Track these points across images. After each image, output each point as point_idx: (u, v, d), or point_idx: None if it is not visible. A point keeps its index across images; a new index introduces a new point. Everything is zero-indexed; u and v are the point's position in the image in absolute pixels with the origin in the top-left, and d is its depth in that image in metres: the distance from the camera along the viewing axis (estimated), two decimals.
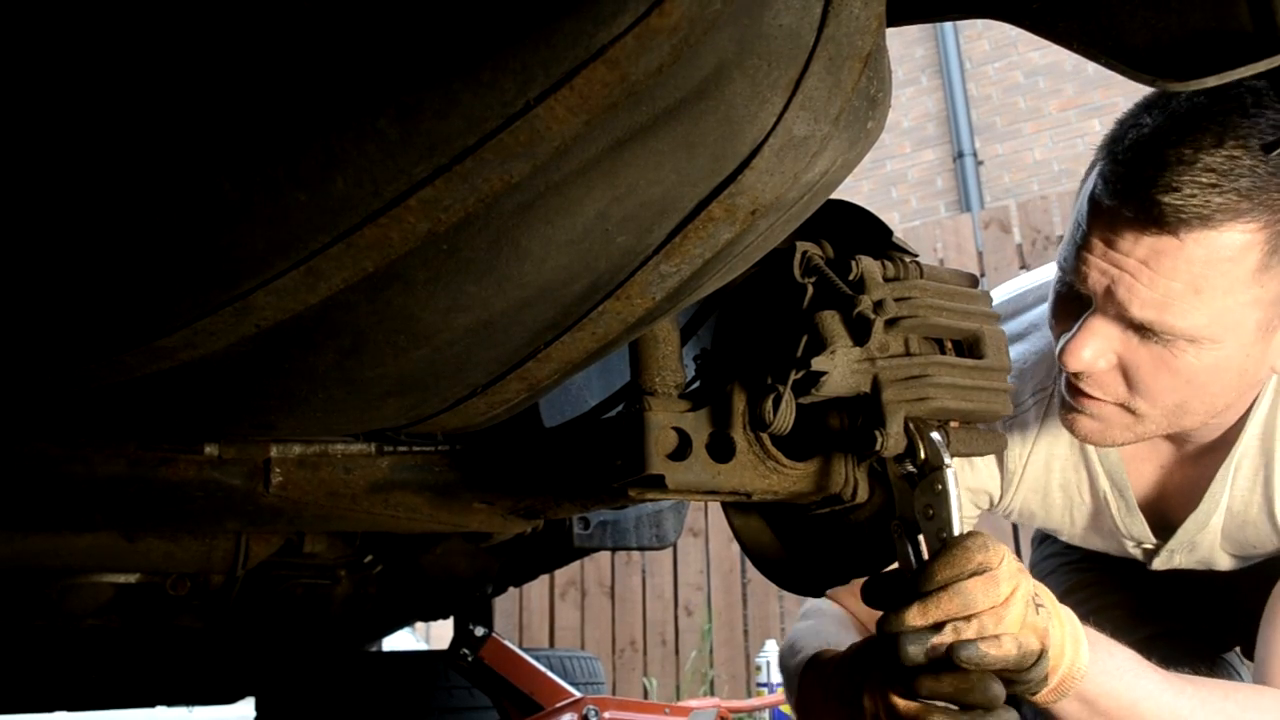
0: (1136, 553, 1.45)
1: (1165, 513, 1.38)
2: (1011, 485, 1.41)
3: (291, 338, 0.72)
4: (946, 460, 0.92)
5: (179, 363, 0.74)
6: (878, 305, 0.91)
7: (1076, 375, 1.13)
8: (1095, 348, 1.08)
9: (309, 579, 1.73)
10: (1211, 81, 0.84)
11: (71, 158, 0.59)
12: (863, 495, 1.02)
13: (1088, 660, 0.99)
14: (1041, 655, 0.94)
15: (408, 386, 0.85)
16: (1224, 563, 1.43)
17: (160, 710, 2.76)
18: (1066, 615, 1.00)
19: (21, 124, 0.56)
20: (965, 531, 0.93)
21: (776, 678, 3.78)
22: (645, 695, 5.11)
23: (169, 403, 0.87)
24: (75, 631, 1.86)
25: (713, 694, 4.91)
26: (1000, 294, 1.49)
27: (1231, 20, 0.80)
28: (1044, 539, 1.89)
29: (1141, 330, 1.06)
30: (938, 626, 0.92)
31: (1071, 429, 1.20)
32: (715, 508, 4.95)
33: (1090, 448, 1.37)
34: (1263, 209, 0.99)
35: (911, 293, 0.95)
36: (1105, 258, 1.05)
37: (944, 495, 0.92)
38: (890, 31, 0.75)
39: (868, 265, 0.94)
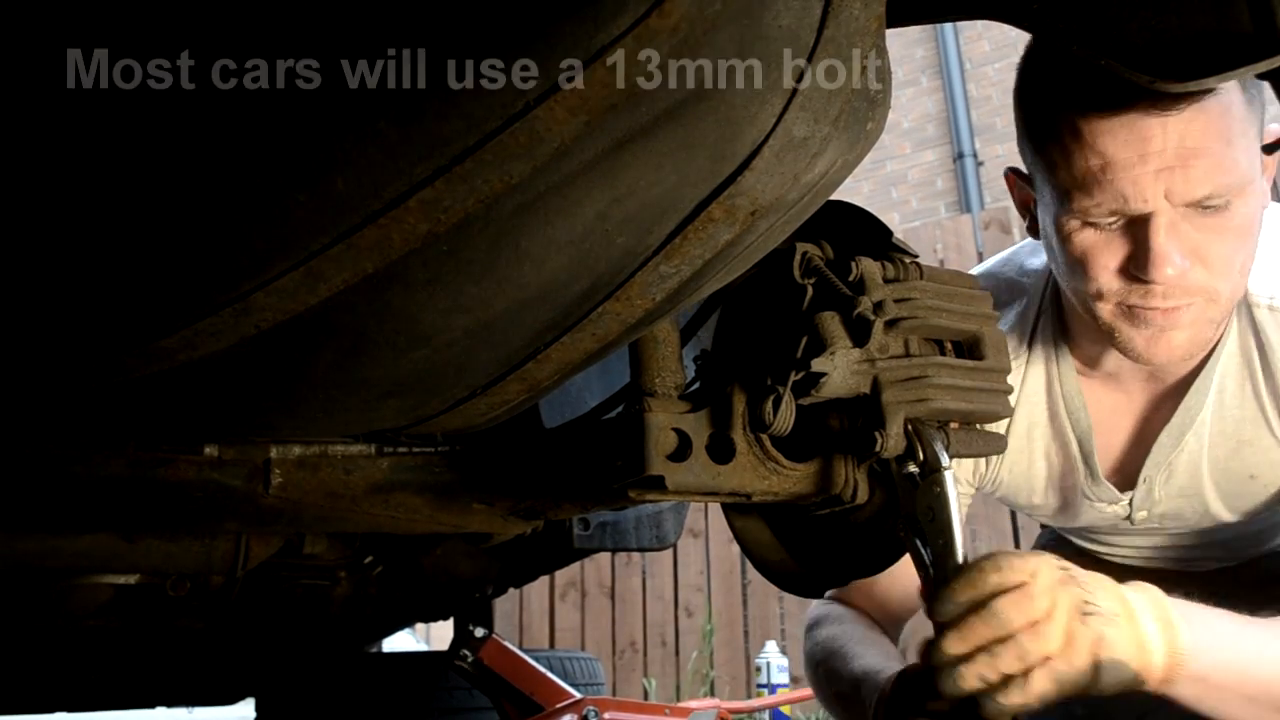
0: (1119, 510, 1.41)
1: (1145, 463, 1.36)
2: (993, 458, 1.41)
3: (291, 338, 0.72)
4: (945, 462, 0.92)
5: (179, 363, 0.74)
6: (878, 306, 0.91)
7: (1164, 295, 1.11)
8: (1179, 249, 1.08)
9: (309, 580, 1.73)
10: (1211, 82, 0.84)
11: (71, 158, 0.59)
12: (863, 496, 1.02)
13: (1188, 639, 0.95)
14: (1102, 666, 0.90)
15: (407, 387, 0.85)
16: (1219, 507, 1.37)
17: (160, 711, 2.75)
18: (1146, 603, 0.96)
19: (21, 124, 0.56)
20: (991, 551, 0.93)
21: (776, 678, 3.78)
22: (645, 696, 5.10)
23: (169, 404, 0.87)
24: (75, 632, 1.86)
25: (713, 695, 4.91)
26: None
27: (1231, 21, 0.80)
28: (1044, 547, 1.89)
29: (1203, 206, 1.07)
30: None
31: (1167, 355, 1.16)
32: (715, 509, 4.95)
33: (1063, 414, 1.36)
34: None
35: (911, 294, 0.95)
36: (1147, 163, 1.04)
37: (943, 497, 0.92)
38: (890, 32, 0.75)
39: (868, 266, 0.94)
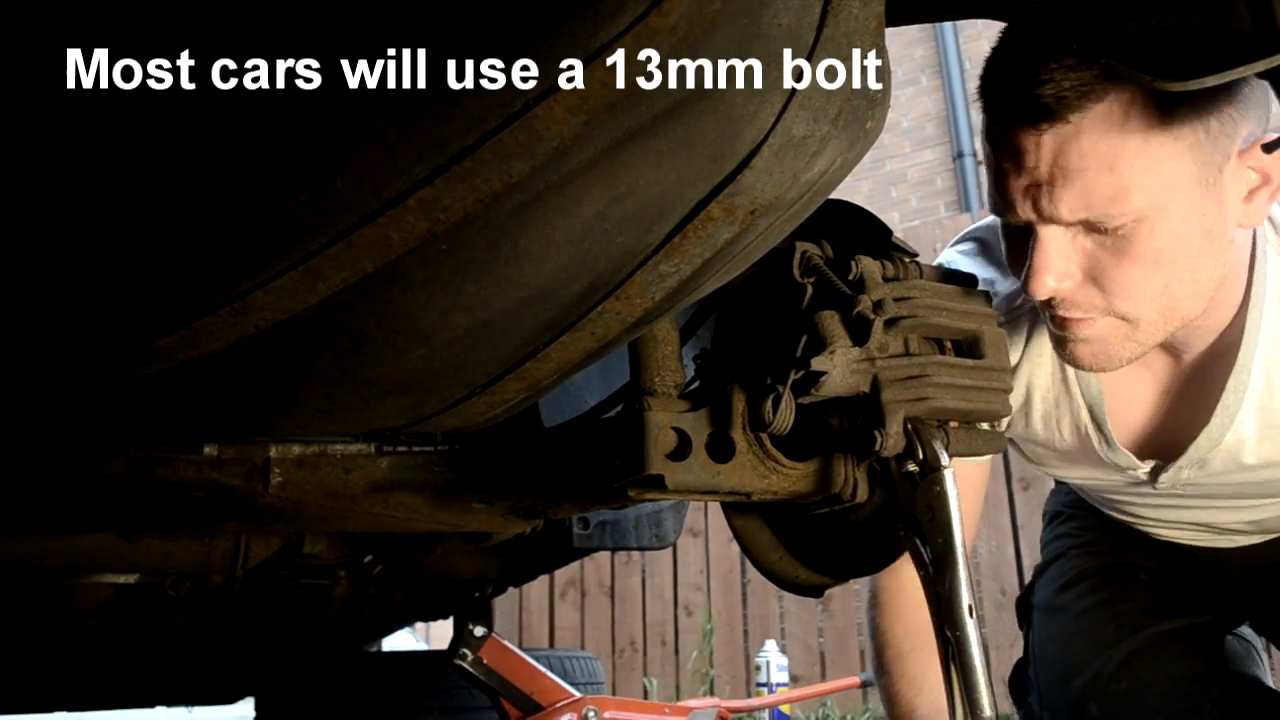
0: (1140, 474, 1.38)
1: (1175, 433, 1.31)
2: (1029, 407, 1.38)
3: (291, 338, 0.72)
4: (945, 461, 0.92)
5: (178, 363, 0.74)
6: (877, 305, 0.91)
7: (1052, 305, 1.10)
8: (1054, 268, 1.06)
9: (308, 579, 1.73)
10: (1211, 81, 0.84)
11: (70, 157, 0.59)
12: (862, 495, 1.02)
13: None
14: None
15: (407, 386, 0.85)
16: (1257, 485, 1.33)
17: (160, 710, 2.76)
18: None
19: (22, 123, 0.56)
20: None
21: (776, 677, 3.79)
22: (645, 695, 5.11)
23: (168, 403, 0.87)
24: (75, 632, 1.86)
25: (712, 694, 4.91)
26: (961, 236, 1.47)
27: (1231, 20, 0.80)
28: (1055, 515, 1.85)
29: (1088, 229, 1.05)
30: None
31: (1074, 363, 1.15)
32: (715, 508, 4.95)
33: (1072, 378, 1.33)
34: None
35: (911, 293, 0.95)
36: (1020, 178, 1.04)
37: (943, 496, 0.92)
38: (890, 31, 0.75)
39: (867, 265, 0.94)
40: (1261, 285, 1.18)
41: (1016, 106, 1.02)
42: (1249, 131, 1.05)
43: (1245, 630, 1.69)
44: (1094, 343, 1.12)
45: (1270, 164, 1.07)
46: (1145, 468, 1.36)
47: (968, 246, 1.42)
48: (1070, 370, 1.34)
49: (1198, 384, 1.28)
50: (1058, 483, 1.89)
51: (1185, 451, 1.31)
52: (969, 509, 1.53)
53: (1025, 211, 1.06)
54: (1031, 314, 1.34)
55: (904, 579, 1.49)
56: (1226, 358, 1.23)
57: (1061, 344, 1.16)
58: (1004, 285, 1.35)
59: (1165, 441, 1.34)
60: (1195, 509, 1.49)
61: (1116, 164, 1.00)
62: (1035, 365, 1.35)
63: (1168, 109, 1.00)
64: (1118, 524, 1.68)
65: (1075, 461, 1.44)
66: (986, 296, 1.02)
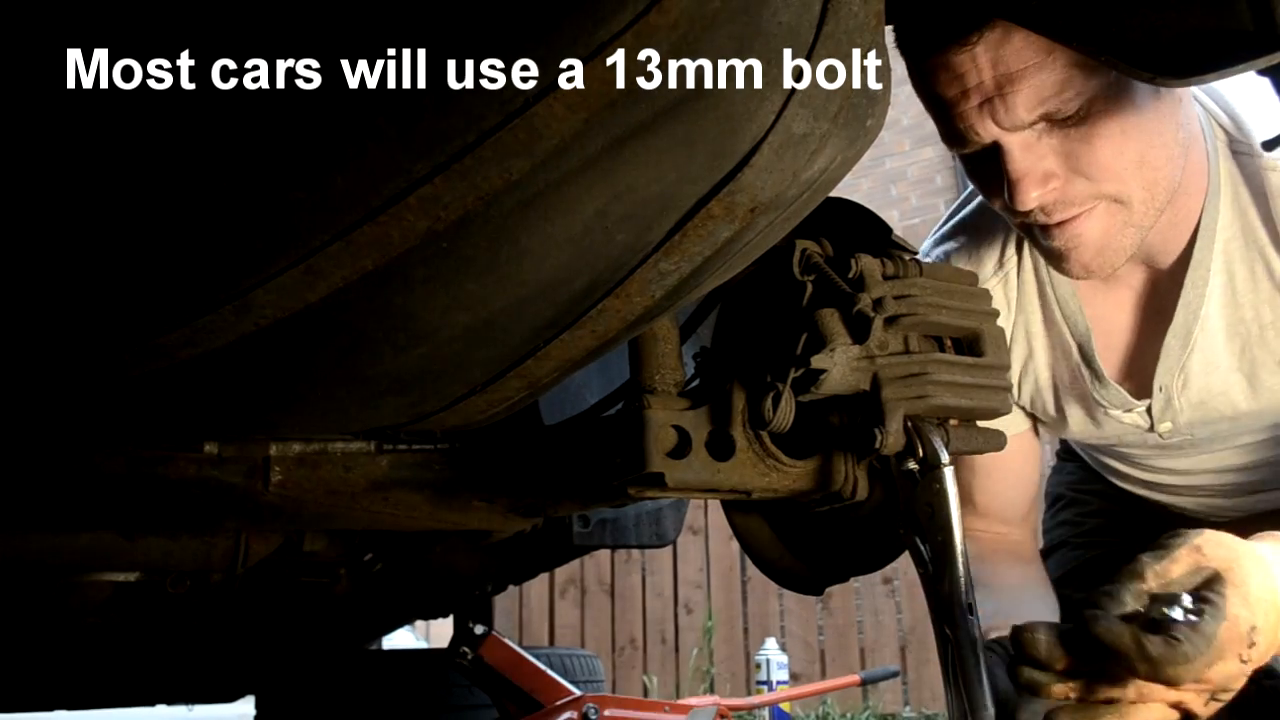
0: (1139, 419, 1.35)
1: (1157, 357, 1.29)
2: (1027, 370, 1.37)
3: (291, 336, 0.72)
4: (944, 459, 0.92)
5: (178, 361, 0.74)
6: (877, 303, 0.91)
7: (1046, 213, 1.09)
8: (1034, 171, 1.05)
9: (308, 577, 1.73)
10: (1210, 79, 0.84)
11: (70, 157, 0.59)
12: (863, 493, 1.02)
13: None
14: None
15: (407, 384, 0.85)
16: (1250, 404, 1.28)
17: (160, 709, 2.76)
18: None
19: (23, 123, 0.56)
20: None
21: (776, 675, 3.79)
22: (645, 693, 5.11)
23: (168, 401, 0.87)
24: (76, 630, 1.86)
25: (712, 692, 4.91)
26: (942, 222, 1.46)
27: (1230, 18, 0.80)
28: (1056, 499, 1.82)
29: (1050, 124, 1.04)
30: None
31: (1081, 273, 1.14)
32: (715, 506, 4.96)
33: (1059, 319, 1.32)
34: None
35: (911, 290, 0.95)
36: (969, 100, 1.03)
37: (943, 495, 0.92)
38: (890, 29, 0.75)
39: (867, 263, 0.94)
40: (1215, 183, 1.18)
41: (940, 31, 1.01)
42: None
43: None
44: (1094, 239, 1.11)
45: None
46: (1140, 406, 1.33)
47: (955, 244, 1.41)
48: (1057, 309, 1.32)
49: (1172, 297, 1.25)
50: (1059, 460, 1.86)
51: (1157, 369, 1.27)
52: (1030, 476, 1.50)
53: (986, 130, 1.05)
54: (1016, 264, 1.33)
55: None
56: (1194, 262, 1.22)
57: (1063, 257, 1.13)
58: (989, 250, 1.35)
59: (1152, 370, 1.30)
60: (1210, 451, 1.44)
61: (1052, 50, 0.99)
62: (1030, 315, 1.35)
63: None
64: (1126, 502, 1.64)
65: (1085, 418, 1.40)
66: (987, 294, 1.02)
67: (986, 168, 1.11)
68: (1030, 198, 1.06)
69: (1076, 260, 1.13)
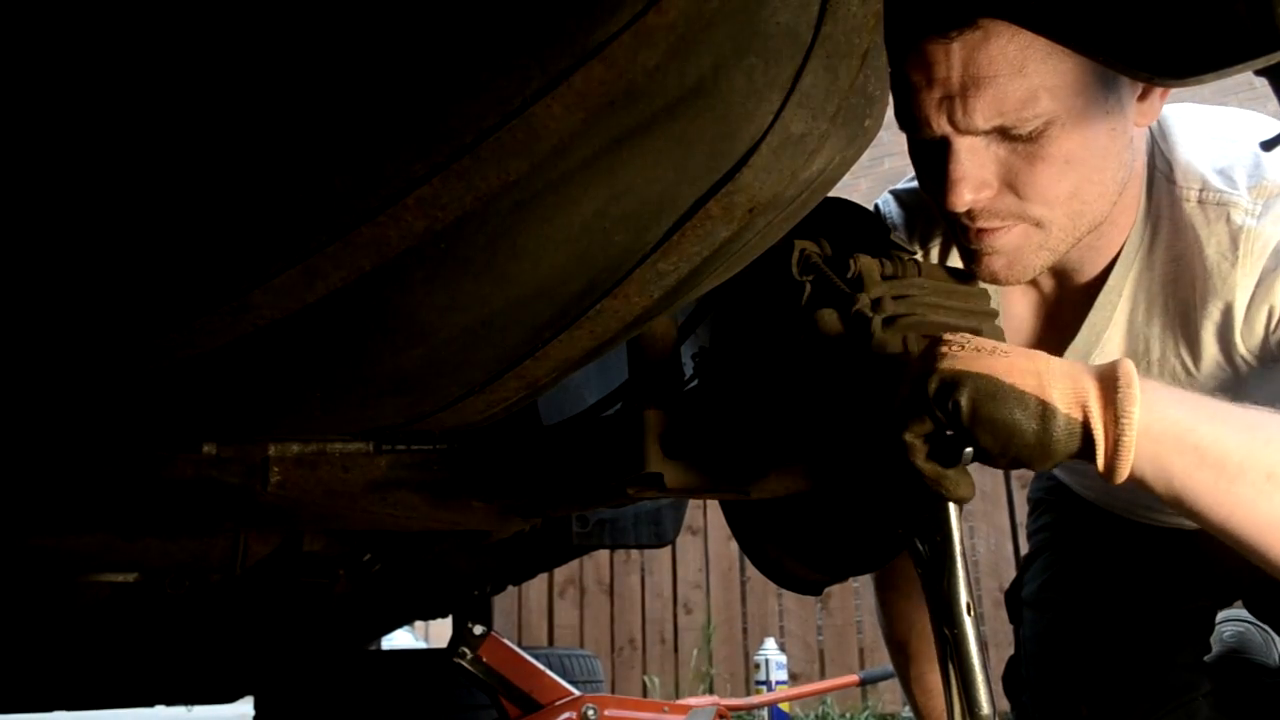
0: None
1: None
2: None
3: (289, 336, 0.72)
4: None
5: (177, 361, 0.74)
6: (875, 303, 0.91)
7: (970, 217, 1.10)
8: (972, 177, 1.06)
9: (307, 577, 1.73)
10: (1209, 78, 0.84)
11: (67, 154, 0.59)
12: (857, 493, 1.02)
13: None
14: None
15: (406, 385, 0.85)
16: None
17: (160, 709, 2.76)
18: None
19: (17, 124, 0.56)
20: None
21: (775, 675, 3.79)
22: (645, 693, 5.11)
23: (166, 401, 0.87)
24: (74, 630, 1.86)
25: (712, 692, 4.91)
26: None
27: (1229, 16, 0.80)
28: (1037, 503, 1.83)
29: (1001, 136, 1.05)
30: None
31: (989, 278, 1.15)
32: (714, 505, 4.96)
33: None
34: None
35: (909, 291, 0.95)
36: (932, 91, 1.04)
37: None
38: None
39: (865, 263, 0.94)
40: (1143, 216, 1.20)
41: (924, 18, 1.02)
42: None
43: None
44: (1008, 253, 1.12)
45: (1136, 98, 1.09)
46: None
47: (905, 205, 1.39)
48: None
49: (1080, 313, 1.26)
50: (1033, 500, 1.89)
51: None
52: None
53: (940, 125, 1.06)
54: (941, 244, 1.33)
55: (903, 583, 1.49)
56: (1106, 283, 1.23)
57: (976, 259, 1.14)
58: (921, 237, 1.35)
59: None
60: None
61: (1025, 66, 1.00)
62: None
63: None
64: (1092, 509, 1.66)
65: None
66: (985, 294, 1.02)
67: (930, 157, 1.11)
68: (963, 200, 1.07)
69: (986, 266, 1.14)
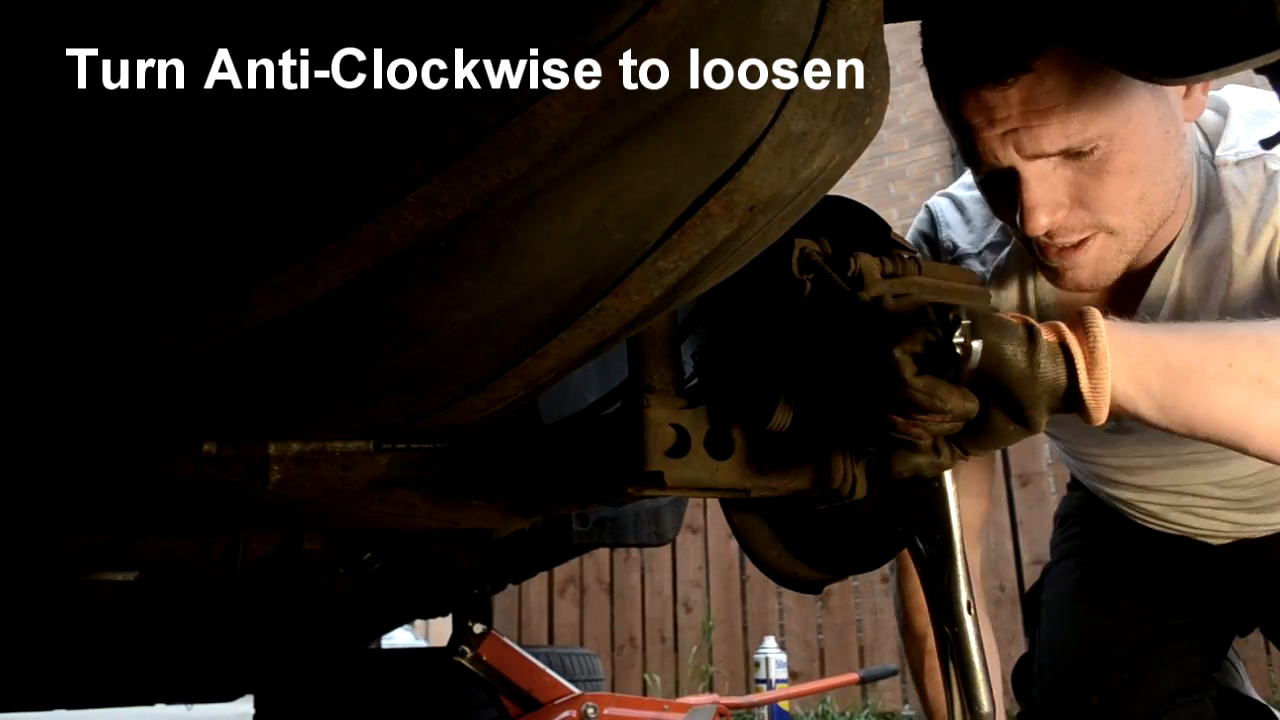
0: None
1: None
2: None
3: (289, 335, 0.72)
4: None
5: (177, 360, 0.74)
6: (876, 301, 0.91)
7: (1050, 236, 1.17)
8: (1046, 201, 1.14)
9: (307, 576, 1.73)
10: (1208, 77, 0.85)
11: (66, 153, 0.59)
12: (861, 491, 1.02)
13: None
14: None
15: (406, 383, 0.85)
16: None
17: (159, 708, 2.76)
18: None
19: (18, 123, 0.56)
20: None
21: (775, 674, 3.79)
22: (645, 691, 5.11)
23: (166, 400, 0.87)
24: (74, 629, 1.86)
25: (712, 690, 4.92)
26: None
27: (1229, 15, 0.80)
28: (1065, 518, 1.87)
29: (1067, 157, 1.12)
30: None
31: (1076, 287, 1.22)
32: (714, 504, 4.96)
33: (1033, 304, 1.39)
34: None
35: (909, 289, 0.95)
36: (995, 128, 1.12)
37: (941, 493, 0.92)
38: (888, 28, 0.75)
39: (866, 262, 0.94)
40: (1195, 192, 1.27)
41: (977, 69, 1.10)
42: None
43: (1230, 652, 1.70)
44: (1090, 264, 1.20)
45: (1181, 95, 1.17)
46: None
47: (964, 203, 1.49)
48: (1032, 295, 1.40)
49: (1136, 297, 1.32)
50: (1068, 489, 1.90)
51: None
52: (975, 508, 1.56)
53: (1007, 156, 1.13)
54: (1008, 245, 1.41)
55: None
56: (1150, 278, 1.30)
57: (1059, 275, 1.22)
58: (973, 240, 1.44)
59: None
60: (1159, 464, 1.49)
61: (1080, 93, 1.08)
62: (1007, 293, 1.41)
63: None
64: (1120, 521, 1.69)
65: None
66: (986, 294, 1.02)
67: (1001, 189, 1.18)
68: (1041, 225, 1.14)
69: (1071, 279, 1.22)
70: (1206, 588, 1.61)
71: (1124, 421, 1.37)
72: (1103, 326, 0.92)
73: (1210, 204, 1.26)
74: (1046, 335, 0.91)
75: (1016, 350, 0.88)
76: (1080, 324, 0.93)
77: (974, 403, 0.88)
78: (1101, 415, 0.92)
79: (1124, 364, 0.92)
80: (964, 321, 0.86)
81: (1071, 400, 0.92)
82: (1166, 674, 1.53)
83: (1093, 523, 1.77)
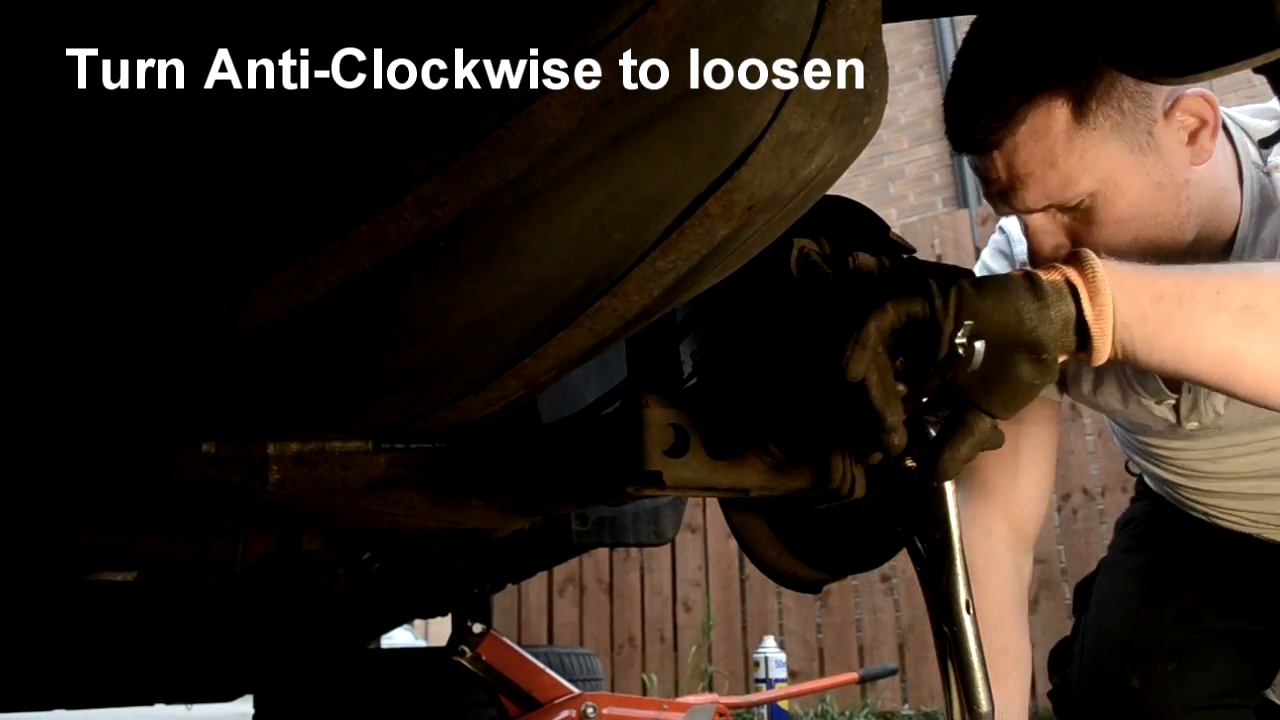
0: (1168, 415, 1.46)
1: None
2: None
3: (288, 335, 0.72)
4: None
5: (176, 359, 0.74)
6: None
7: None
8: (1047, 243, 1.28)
9: (307, 576, 1.73)
10: (1208, 76, 0.84)
11: (66, 154, 0.59)
12: (860, 491, 1.02)
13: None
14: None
15: (405, 383, 0.85)
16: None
17: (159, 708, 2.76)
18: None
19: (17, 123, 0.56)
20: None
21: (775, 673, 3.79)
22: (645, 691, 5.11)
23: (165, 400, 0.87)
24: (73, 629, 1.86)
25: (711, 690, 4.91)
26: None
27: (1228, 14, 0.80)
28: (1129, 521, 1.87)
29: (1058, 209, 1.25)
30: None
31: None
32: (713, 504, 4.96)
33: None
34: (1036, 84, 1.20)
35: None
36: (991, 186, 1.29)
37: (940, 492, 0.92)
38: (887, 27, 0.75)
39: (864, 261, 0.94)
40: (1250, 204, 1.33)
41: (964, 142, 1.27)
42: (1167, 94, 1.25)
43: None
44: None
45: (1199, 108, 1.25)
46: (1170, 399, 1.44)
47: (992, 246, 1.65)
48: None
49: None
50: (1133, 501, 1.91)
51: None
52: (1044, 462, 1.56)
53: (1009, 207, 1.29)
54: None
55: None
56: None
57: None
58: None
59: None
60: (1232, 455, 1.49)
61: (1055, 160, 1.21)
62: None
63: (1080, 108, 1.20)
64: (1185, 522, 1.69)
65: (1117, 393, 1.51)
66: None
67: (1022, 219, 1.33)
68: (1045, 257, 1.28)
69: None
70: (1265, 599, 1.61)
71: (1201, 419, 1.44)
72: (1098, 260, 0.96)
73: (1265, 204, 1.33)
74: (1047, 275, 0.96)
75: (1025, 296, 0.92)
76: (1075, 260, 0.97)
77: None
78: (1105, 344, 0.95)
79: (1120, 292, 0.96)
80: (966, 322, 0.88)
81: (1079, 333, 0.95)
82: (1213, 674, 1.54)
83: (1156, 525, 1.78)
